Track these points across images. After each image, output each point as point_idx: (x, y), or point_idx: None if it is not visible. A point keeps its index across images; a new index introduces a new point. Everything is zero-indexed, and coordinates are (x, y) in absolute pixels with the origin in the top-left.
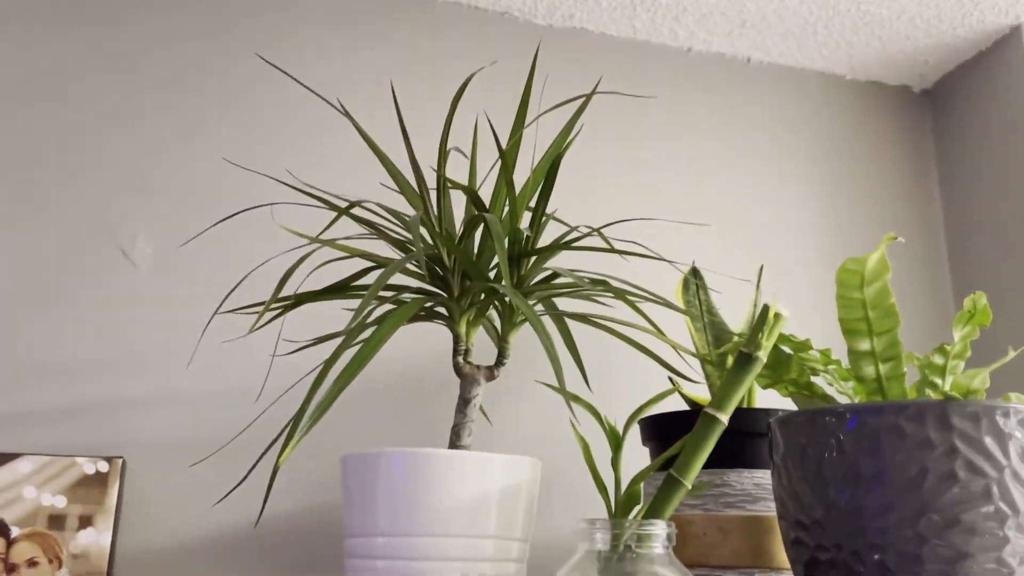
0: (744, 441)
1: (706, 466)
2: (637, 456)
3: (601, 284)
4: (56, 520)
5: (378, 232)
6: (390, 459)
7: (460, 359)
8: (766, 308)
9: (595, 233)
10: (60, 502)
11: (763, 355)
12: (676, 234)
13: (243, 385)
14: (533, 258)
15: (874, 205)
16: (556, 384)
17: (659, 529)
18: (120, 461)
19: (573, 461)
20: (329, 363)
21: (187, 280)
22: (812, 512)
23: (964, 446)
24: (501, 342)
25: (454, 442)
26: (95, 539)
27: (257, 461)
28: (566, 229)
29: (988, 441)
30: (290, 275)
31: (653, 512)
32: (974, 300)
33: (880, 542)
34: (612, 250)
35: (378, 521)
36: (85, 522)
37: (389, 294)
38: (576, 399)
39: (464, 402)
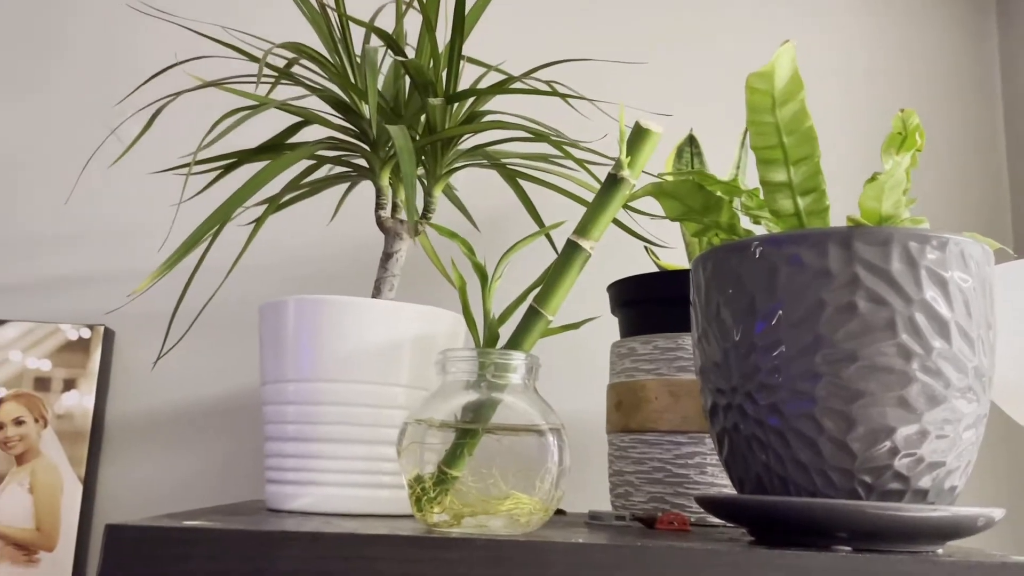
0: None
1: (662, 329)
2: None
3: (536, 135)
4: (41, 382)
5: (306, 87)
6: (300, 305)
7: (381, 212)
8: (636, 125)
9: (527, 79)
10: (45, 366)
11: (630, 175)
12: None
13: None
14: (468, 102)
15: (916, 60)
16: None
17: (515, 360)
18: (102, 328)
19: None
20: (259, 223)
21: (162, 152)
22: (714, 356)
23: (868, 275)
24: (427, 195)
25: (374, 295)
26: (79, 401)
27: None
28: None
29: (897, 271)
30: (227, 133)
31: (512, 343)
32: (903, 119)
33: (772, 382)
34: (541, 92)
35: (288, 367)
36: (69, 385)
37: (332, 154)
38: (449, 233)
39: (386, 256)
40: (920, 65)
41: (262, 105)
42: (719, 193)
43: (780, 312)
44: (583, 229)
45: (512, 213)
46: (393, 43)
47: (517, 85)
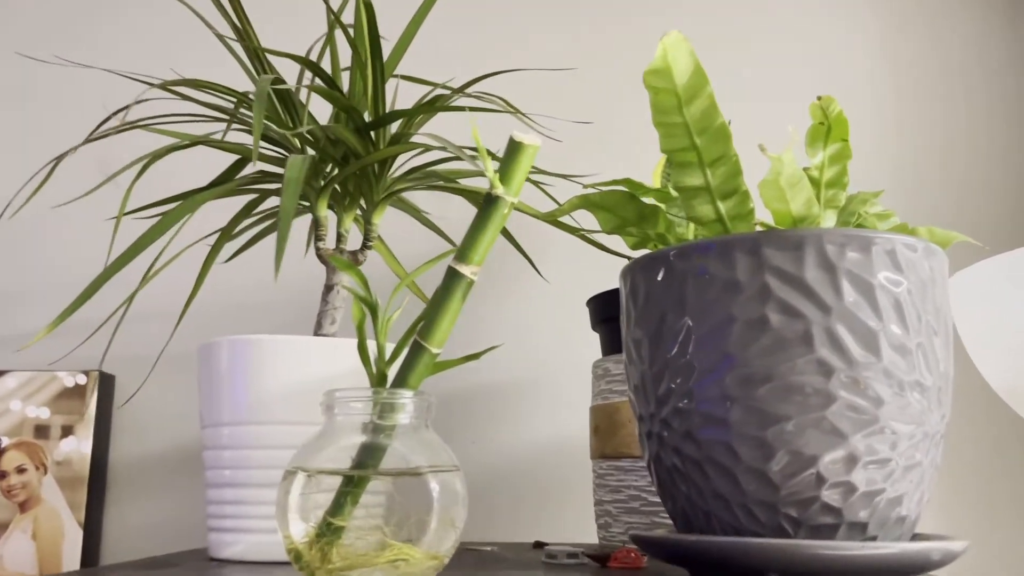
0: None
1: None
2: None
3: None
4: (41, 430)
5: (239, 122)
6: (234, 346)
7: (320, 244)
8: (510, 139)
9: (461, 93)
10: (44, 413)
11: (507, 194)
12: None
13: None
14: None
15: (946, 47)
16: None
17: (401, 399)
18: (97, 374)
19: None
20: (210, 257)
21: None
22: (635, 378)
23: (779, 284)
24: (366, 224)
25: (316, 330)
26: (76, 447)
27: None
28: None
29: (813, 277)
30: (146, 169)
31: (399, 381)
32: (822, 107)
33: (685, 407)
34: (464, 109)
35: (224, 410)
36: (67, 431)
37: (275, 187)
38: (344, 265)
39: (327, 289)
40: (954, 56)
41: (192, 144)
42: (652, 201)
43: (689, 330)
44: (462, 254)
45: None
46: (317, 70)
47: (462, 101)
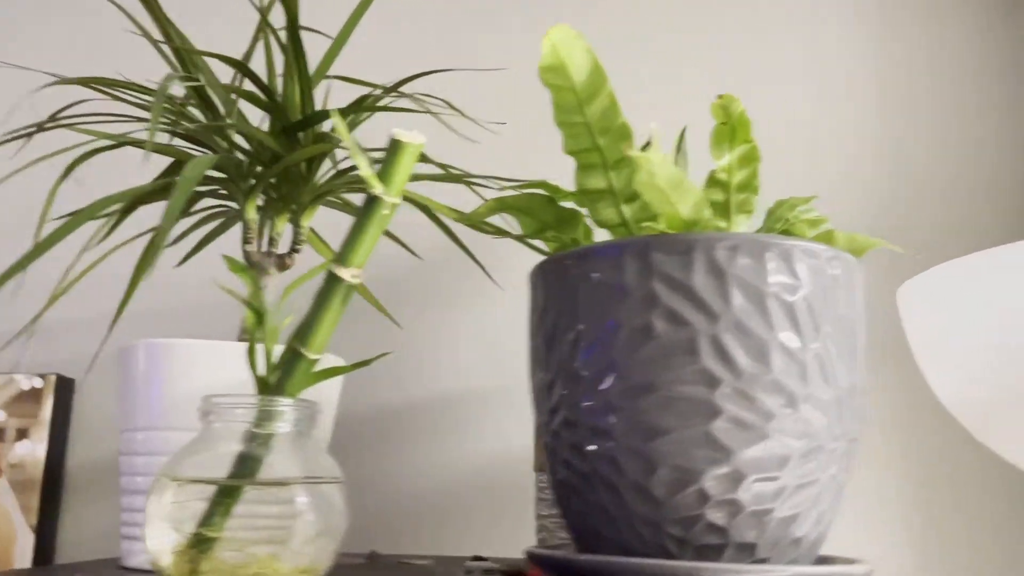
0: None
1: None
2: None
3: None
4: None
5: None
6: (150, 349)
7: (248, 247)
8: (391, 138)
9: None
10: (0, 416)
11: (386, 194)
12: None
13: (152, 297)
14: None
15: (946, 52)
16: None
17: (279, 407)
18: (54, 377)
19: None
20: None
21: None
22: (535, 387)
23: (666, 290)
24: (295, 227)
25: (240, 336)
26: (31, 450)
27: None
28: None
29: (701, 284)
30: (72, 169)
31: (278, 389)
32: (723, 106)
33: (572, 417)
34: (392, 109)
35: (138, 415)
36: (22, 434)
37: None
38: (237, 268)
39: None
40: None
41: (118, 144)
42: (572, 205)
43: (579, 337)
44: (342, 257)
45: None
46: (246, 71)
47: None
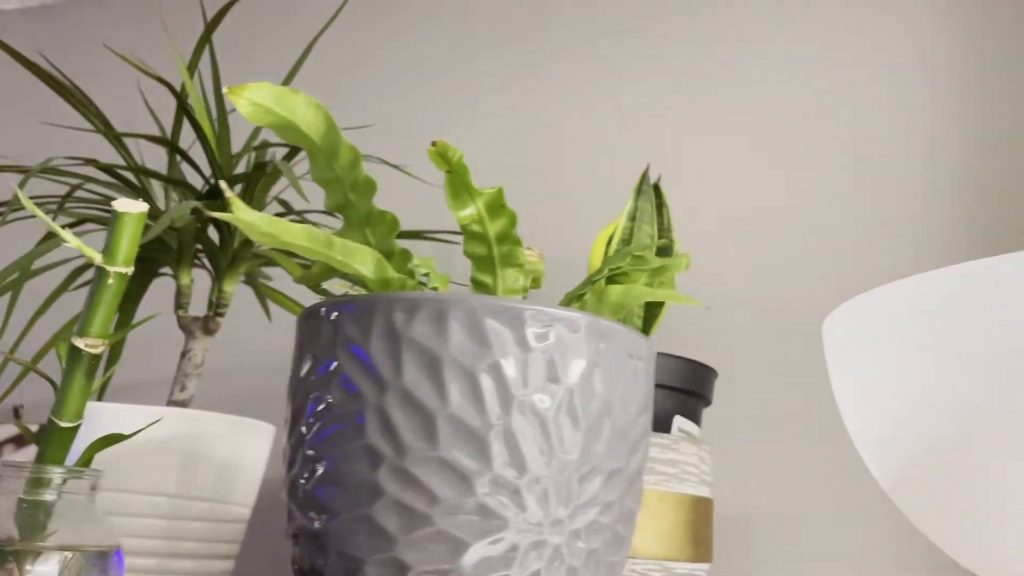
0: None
1: None
2: None
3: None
4: None
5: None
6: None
7: (180, 312)
8: (112, 209)
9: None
10: None
11: (109, 263)
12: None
13: None
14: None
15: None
16: None
17: (47, 475)
18: None
19: None
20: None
21: None
22: None
23: (346, 355)
24: (219, 291)
25: (168, 397)
26: None
27: None
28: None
29: (376, 349)
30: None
31: (40, 458)
32: (439, 152)
33: (287, 500)
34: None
35: None
36: None
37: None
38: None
39: (181, 355)
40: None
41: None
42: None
43: (295, 404)
44: (81, 329)
45: None
46: (172, 147)
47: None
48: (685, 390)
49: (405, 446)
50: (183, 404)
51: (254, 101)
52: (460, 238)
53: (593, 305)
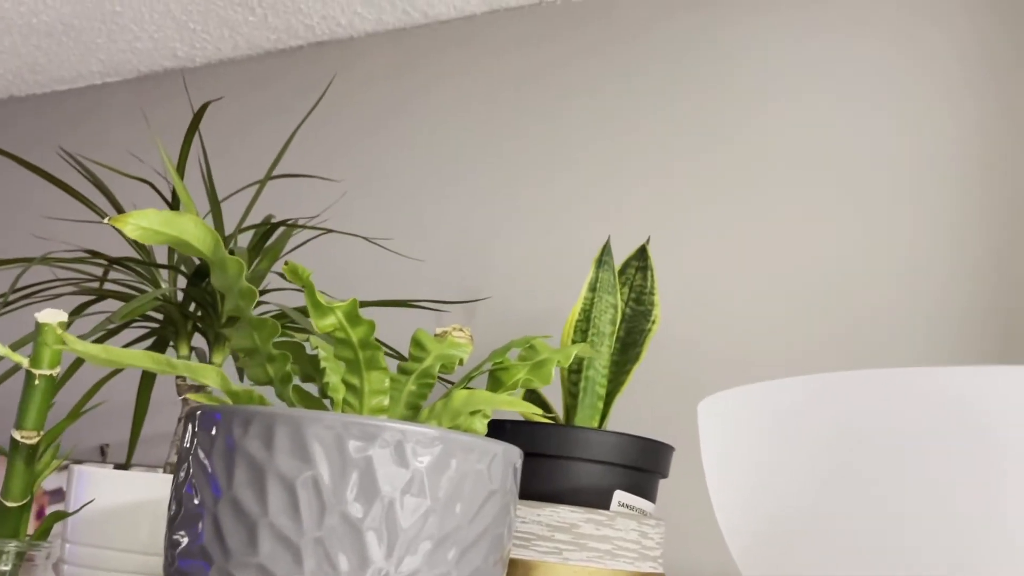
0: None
1: (539, 497)
2: None
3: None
4: None
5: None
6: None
7: (179, 381)
8: (36, 321)
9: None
10: None
11: (35, 367)
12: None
13: None
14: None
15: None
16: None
17: (2, 546)
18: None
19: None
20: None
21: None
22: None
23: (196, 464)
24: (210, 363)
25: (166, 459)
26: None
27: None
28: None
29: (216, 459)
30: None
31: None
32: (292, 270)
33: None
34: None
35: (67, 527)
36: None
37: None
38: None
39: (178, 421)
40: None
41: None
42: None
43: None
44: (17, 423)
45: None
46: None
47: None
48: (631, 466)
49: (230, 551)
50: None
51: (141, 226)
52: (447, 305)
53: (439, 411)
